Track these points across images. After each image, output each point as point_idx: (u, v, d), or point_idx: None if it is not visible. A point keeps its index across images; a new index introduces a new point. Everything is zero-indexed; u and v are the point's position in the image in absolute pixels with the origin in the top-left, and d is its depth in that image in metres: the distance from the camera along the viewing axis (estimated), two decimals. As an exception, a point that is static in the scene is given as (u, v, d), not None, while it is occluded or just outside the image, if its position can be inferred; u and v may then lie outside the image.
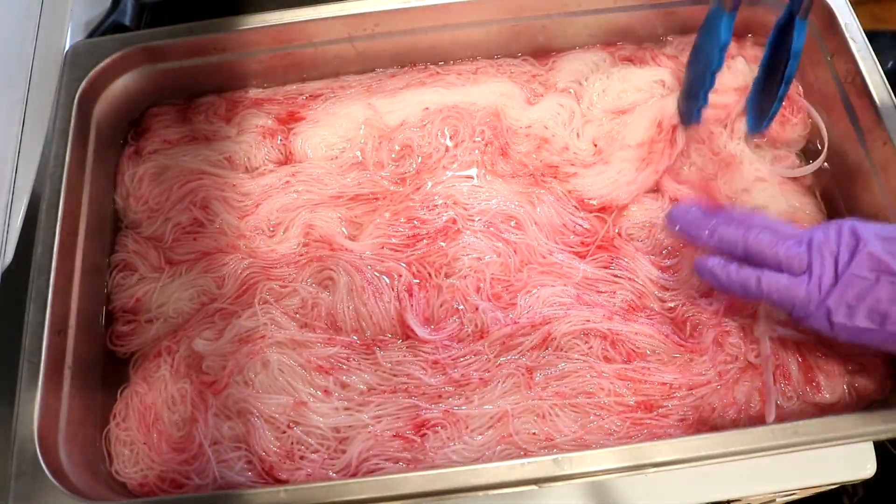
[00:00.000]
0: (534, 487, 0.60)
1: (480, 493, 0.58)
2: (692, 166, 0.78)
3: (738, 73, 0.81)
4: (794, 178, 0.78)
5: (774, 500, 0.75)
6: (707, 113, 0.76)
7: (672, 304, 0.71)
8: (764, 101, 0.74)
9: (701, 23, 0.85)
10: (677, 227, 0.67)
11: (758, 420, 0.65)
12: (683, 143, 0.77)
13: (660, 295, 0.71)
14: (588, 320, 0.69)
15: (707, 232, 0.64)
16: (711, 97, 0.79)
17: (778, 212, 0.75)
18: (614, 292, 0.71)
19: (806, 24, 0.68)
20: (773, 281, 0.60)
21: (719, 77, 0.82)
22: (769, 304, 0.64)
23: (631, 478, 0.68)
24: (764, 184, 0.76)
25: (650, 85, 0.82)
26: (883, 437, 0.58)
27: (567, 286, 0.71)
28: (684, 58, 0.83)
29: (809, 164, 0.78)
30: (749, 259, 0.62)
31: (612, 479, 0.68)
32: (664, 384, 0.66)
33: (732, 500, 0.70)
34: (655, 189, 0.78)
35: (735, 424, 0.65)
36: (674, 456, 0.57)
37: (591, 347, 0.68)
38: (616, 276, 0.72)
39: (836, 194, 0.78)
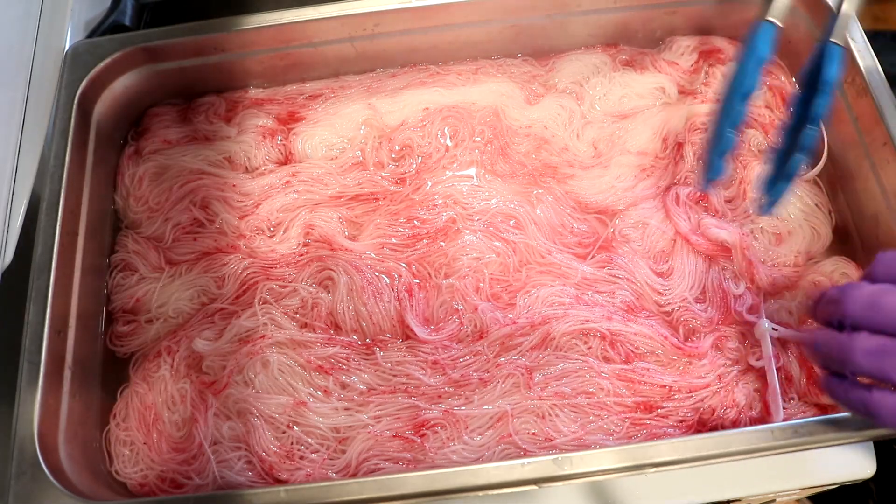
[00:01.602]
0: (534, 487, 0.60)
1: (480, 493, 0.58)
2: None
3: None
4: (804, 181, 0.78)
5: (774, 500, 0.75)
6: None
7: (668, 308, 0.71)
8: (782, 164, 0.64)
9: (706, 27, 0.85)
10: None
11: (758, 422, 0.65)
12: (693, 160, 0.77)
13: (656, 298, 0.71)
14: (587, 320, 0.69)
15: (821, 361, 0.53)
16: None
17: (790, 215, 0.75)
18: (613, 292, 0.71)
19: (840, 50, 0.60)
20: (883, 404, 0.48)
21: (712, 86, 0.82)
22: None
23: (631, 478, 0.68)
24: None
25: (651, 92, 0.82)
26: (883, 437, 0.58)
27: (566, 286, 0.71)
28: (684, 63, 0.83)
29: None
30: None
31: (612, 479, 0.68)
32: (663, 386, 0.66)
33: (732, 500, 0.70)
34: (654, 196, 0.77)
35: (735, 426, 0.65)
36: (674, 456, 0.57)
37: (590, 347, 0.68)
38: (615, 276, 0.72)
39: (838, 195, 0.78)
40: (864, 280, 0.51)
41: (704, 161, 0.67)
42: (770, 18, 0.62)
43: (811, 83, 0.61)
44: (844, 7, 0.61)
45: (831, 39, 0.60)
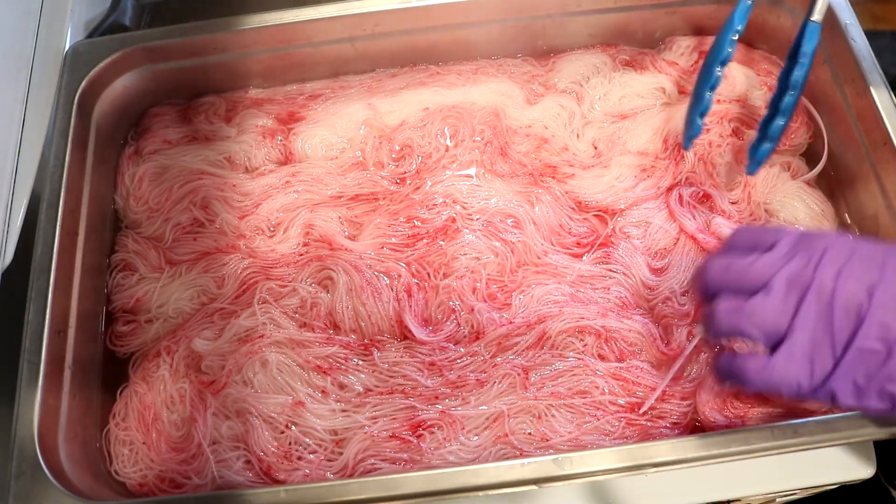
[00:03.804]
0: (534, 487, 0.60)
1: (480, 493, 0.58)
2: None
3: (733, 81, 0.80)
4: (808, 181, 0.78)
5: (774, 501, 0.75)
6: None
7: (653, 304, 0.71)
8: (766, 130, 0.71)
9: (705, 27, 0.85)
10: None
11: (753, 419, 0.65)
12: (693, 162, 0.77)
13: (645, 293, 0.71)
14: (582, 317, 0.69)
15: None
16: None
17: (795, 218, 0.74)
18: (608, 288, 0.72)
19: (819, 27, 0.67)
20: (745, 369, 0.50)
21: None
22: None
23: (631, 478, 0.68)
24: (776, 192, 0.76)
25: (651, 92, 0.82)
26: (883, 437, 0.58)
27: (561, 284, 0.71)
28: (684, 63, 0.83)
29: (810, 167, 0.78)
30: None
31: (612, 479, 0.68)
32: (655, 390, 0.66)
33: (732, 500, 0.70)
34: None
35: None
36: (674, 456, 0.57)
37: (585, 345, 0.68)
38: (612, 270, 0.72)
39: (838, 195, 0.78)
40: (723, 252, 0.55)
41: (687, 121, 0.74)
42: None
43: (793, 57, 0.69)
44: None
45: (811, 19, 0.68)
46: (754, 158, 0.72)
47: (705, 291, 0.54)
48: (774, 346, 0.49)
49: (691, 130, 0.73)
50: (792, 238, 0.50)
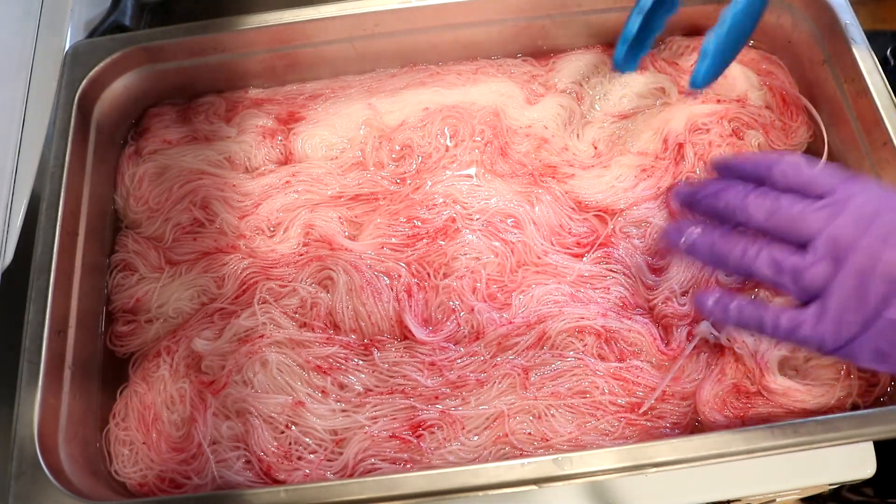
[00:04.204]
0: (534, 487, 0.60)
1: (480, 493, 0.58)
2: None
3: (733, 81, 0.80)
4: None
5: (774, 501, 0.75)
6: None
7: (653, 304, 0.71)
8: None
9: (705, 27, 0.84)
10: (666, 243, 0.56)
11: (753, 419, 0.65)
12: (693, 161, 0.77)
13: (644, 293, 0.71)
14: (582, 317, 0.69)
15: (689, 244, 0.53)
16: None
17: None
18: (608, 288, 0.71)
19: None
20: (776, 322, 0.49)
21: (712, 86, 0.81)
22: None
23: (631, 478, 0.68)
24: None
25: (651, 92, 0.82)
26: (883, 437, 0.58)
27: (561, 284, 0.71)
28: (684, 63, 0.83)
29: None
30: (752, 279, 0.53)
31: (612, 479, 0.68)
32: (654, 390, 0.66)
33: (732, 500, 0.70)
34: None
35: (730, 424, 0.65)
36: (674, 456, 0.57)
37: (585, 345, 0.68)
38: (612, 270, 0.72)
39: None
40: (759, 178, 0.52)
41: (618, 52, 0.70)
42: None
43: None
44: None
45: None
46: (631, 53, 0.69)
47: (721, 214, 0.52)
48: (804, 301, 0.49)
49: (620, 61, 0.70)
50: (845, 191, 0.48)
